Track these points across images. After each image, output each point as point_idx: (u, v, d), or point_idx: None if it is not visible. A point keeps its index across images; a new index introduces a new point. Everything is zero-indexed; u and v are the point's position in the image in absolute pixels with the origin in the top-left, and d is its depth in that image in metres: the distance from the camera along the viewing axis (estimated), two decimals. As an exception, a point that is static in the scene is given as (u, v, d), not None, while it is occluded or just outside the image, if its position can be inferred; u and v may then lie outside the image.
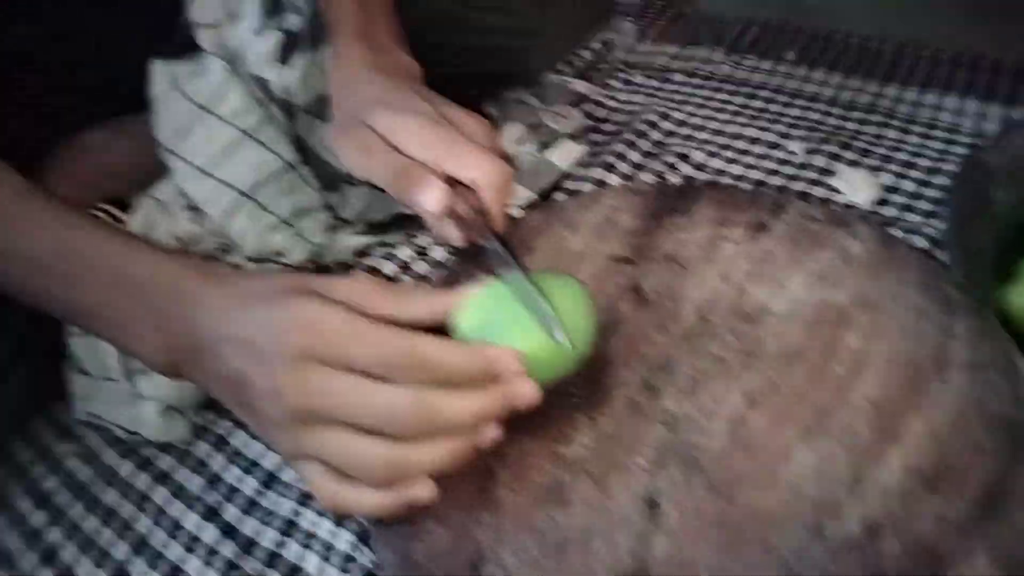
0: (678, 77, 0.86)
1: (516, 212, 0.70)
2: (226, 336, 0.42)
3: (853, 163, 0.72)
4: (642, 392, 0.51)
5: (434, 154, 0.52)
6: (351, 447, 0.41)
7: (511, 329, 0.47)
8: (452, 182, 0.53)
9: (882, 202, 0.68)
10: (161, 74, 0.67)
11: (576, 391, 0.51)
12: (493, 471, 0.47)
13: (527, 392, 0.43)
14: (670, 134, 0.78)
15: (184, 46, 0.66)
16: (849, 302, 0.54)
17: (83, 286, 0.46)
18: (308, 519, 0.52)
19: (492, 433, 0.43)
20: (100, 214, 0.65)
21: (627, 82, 0.86)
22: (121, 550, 0.53)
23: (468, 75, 0.69)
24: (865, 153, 0.73)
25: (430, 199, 0.52)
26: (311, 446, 0.42)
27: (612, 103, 0.83)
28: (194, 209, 0.66)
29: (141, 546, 0.53)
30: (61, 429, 0.61)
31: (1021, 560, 0.41)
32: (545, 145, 0.74)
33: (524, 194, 0.71)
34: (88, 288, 0.46)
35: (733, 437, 0.47)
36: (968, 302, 0.53)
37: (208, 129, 0.66)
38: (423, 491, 0.42)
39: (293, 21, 0.65)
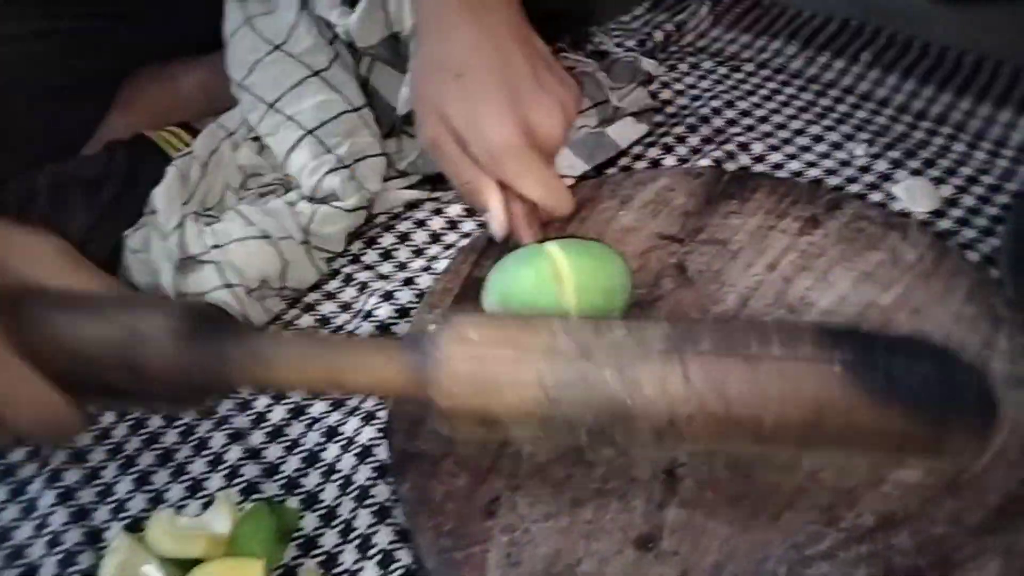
0: (748, 67, 0.85)
1: (568, 182, 0.70)
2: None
3: (915, 172, 0.71)
4: (674, 367, 0.51)
5: (500, 172, 0.55)
6: None
7: (528, 290, 0.50)
8: None
9: (939, 213, 0.67)
10: (235, 11, 0.68)
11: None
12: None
13: None
14: (732, 123, 0.77)
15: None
16: (894, 304, 0.53)
17: None
18: (331, 453, 0.53)
19: None
20: (168, 136, 0.67)
21: (695, 67, 0.85)
22: (146, 459, 0.54)
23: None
24: (929, 163, 0.71)
25: (495, 223, 0.56)
26: None
27: (678, 86, 0.82)
28: (258, 140, 0.68)
29: (166, 459, 0.54)
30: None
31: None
32: (607, 121, 0.74)
33: (579, 167, 0.71)
34: None
35: (759, 421, 0.47)
36: (1015, 319, 0.52)
37: (279, 67, 0.67)
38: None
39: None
